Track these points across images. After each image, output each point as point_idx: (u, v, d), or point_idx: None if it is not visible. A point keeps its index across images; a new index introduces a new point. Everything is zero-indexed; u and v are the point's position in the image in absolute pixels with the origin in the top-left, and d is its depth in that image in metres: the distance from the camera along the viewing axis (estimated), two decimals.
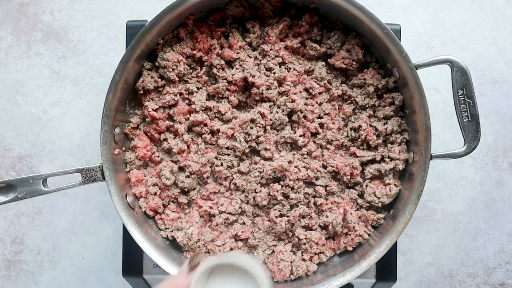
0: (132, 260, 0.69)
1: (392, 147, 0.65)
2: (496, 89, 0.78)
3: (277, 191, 0.64)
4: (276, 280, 0.65)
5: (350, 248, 0.66)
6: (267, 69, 0.66)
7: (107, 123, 0.61)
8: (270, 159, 0.65)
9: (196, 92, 0.67)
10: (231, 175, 0.66)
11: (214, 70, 0.66)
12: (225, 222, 0.66)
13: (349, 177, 0.65)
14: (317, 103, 0.66)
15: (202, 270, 0.44)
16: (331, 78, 0.67)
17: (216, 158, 0.66)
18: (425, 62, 0.59)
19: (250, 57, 0.66)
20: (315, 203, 0.66)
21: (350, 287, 0.68)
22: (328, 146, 0.66)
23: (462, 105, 0.58)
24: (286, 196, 0.65)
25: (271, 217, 0.65)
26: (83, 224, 0.80)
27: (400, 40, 0.63)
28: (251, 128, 0.65)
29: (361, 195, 0.67)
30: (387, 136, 0.66)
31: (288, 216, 0.65)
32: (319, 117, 0.66)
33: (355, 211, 0.66)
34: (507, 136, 0.78)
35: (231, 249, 0.66)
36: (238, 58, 0.66)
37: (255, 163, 0.66)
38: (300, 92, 0.66)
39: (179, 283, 0.42)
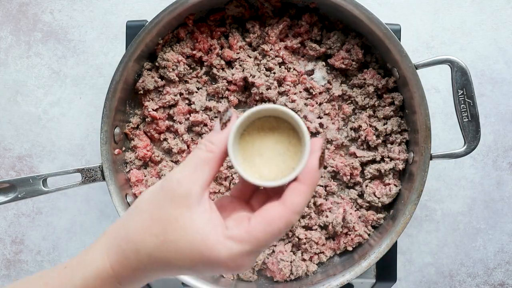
0: None
1: (392, 147, 0.65)
2: (496, 89, 0.78)
3: None
4: (276, 280, 0.65)
5: (350, 248, 0.66)
6: (267, 69, 0.66)
7: (107, 123, 0.61)
8: None
9: (196, 92, 0.67)
10: (231, 175, 0.66)
11: (214, 70, 0.66)
12: None
13: (349, 177, 0.65)
14: (317, 103, 0.66)
15: (237, 124, 0.38)
16: (331, 78, 0.67)
17: None
18: (425, 62, 0.59)
19: (250, 57, 0.66)
20: (315, 203, 0.66)
21: (350, 287, 0.68)
22: (328, 146, 0.66)
23: (462, 105, 0.58)
24: None
25: None
26: (83, 224, 0.80)
27: (400, 40, 0.63)
28: None
29: (361, 195, 0.67)
30: (387, 136, 0.66)
31: None
32: (319, 117, 0.66)
33: (355, 211, 0.66)
34: (507, 136, 0.78)
35: None
36: (238, 58, 0.66)
37: None
38: (300, 92, 0.66)
39: (214, 139, 0.38)
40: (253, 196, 0.41)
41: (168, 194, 0.37)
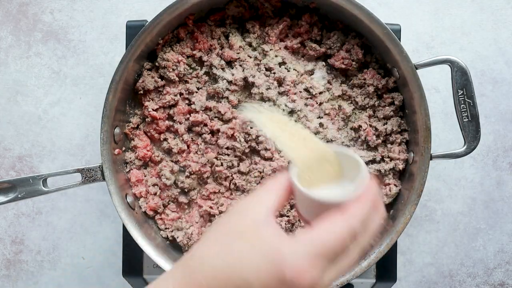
0: (132, 260, 0.69)
1: (392, 147, 0.65)
2: (496, 89, 0.78)
3: None
4: None
5: None
6: (267, 69, 0.66)
7: (107, 123, 0.61)
8: (270, 159, 0.65)
9: (196, 92, 0.67)
10: (231, 175, 0.66)
11: (214, 70, 0.66)
12: None
13: None
14: (317, 103, 0.66)
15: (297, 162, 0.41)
16: (331, 78, 0.67)
17: (216, 158, 0.66)
18: (425, 62, 0.59)
19: (250, 57, 0.66)
20: None
21: (350, 287, 0.68)
22: None
23: (462, 105, 0.58)
24: None
25: None
26: (83, 224, 0.80)
27: (400, 40, 0.63)
28: (251, 128, 0.65)
29: None
30: (387, 136, 0.66)
31: (288, 216, 0.65)
32: (319, 117, 0.66)
33: None
34: (507, 136, 0.78)
35: None
36: (238, 58, 0.66)
37: (255, 163, 0.66)
38: (300, 92, 0.66)
39: (278, 175, 0.39)
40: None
41: (234, 214, 0.37)
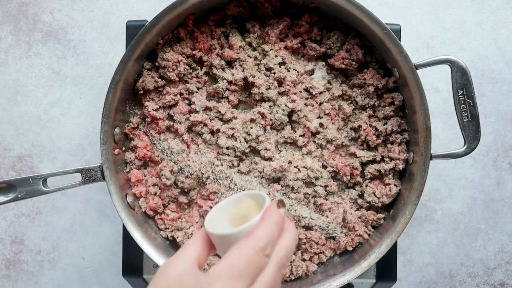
0: (132, 260, 0.69)
1: (392, 147, 0.65)
2: (496, 89, 0.78)
3: (277, 191, 0.64)
4: None
5: (350, 248, 0.66)
6: (267, 69, 0.66)
7: (107, 123, 0.61)
8: (270, 159, 0.65)
9: (196, 92, 0.67)
10: (231, 175, 0.66)
11: (214, 70, 0.66)
12: None
13: (349, 177, 0.65)
14: (317, 103, 0.66)
15: (209, 216, 0.47)
16: (331, 78, 0.67)
17: (216, 158, 0.66)
18: (425, 62, 0.59)
19: (250, 57, 0.66)
20: (315, 203, 0.66)
21: (350, 287, 0.68)
22: (328, 146, 0.66)
23: (462, 105, 0.58)
24: (286, 196, 0.65)
25: None
26: (83, 224, 0.80)
27: (400, 40, 0.63)
28: (251, 128, 0.65)
29: (361, 195, 0.67)
30: (387, 136, 0.66)
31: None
32: (319, 117, 0.66)
33: (355, 211, 0.66)
34: (507, 136, 0.78)
35: None
36: (238, 58, 0.66)
37: (255, 163, 0.66)
38: (300, 92, 0.66)
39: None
40: None
41: (160, 274, 0.40)
